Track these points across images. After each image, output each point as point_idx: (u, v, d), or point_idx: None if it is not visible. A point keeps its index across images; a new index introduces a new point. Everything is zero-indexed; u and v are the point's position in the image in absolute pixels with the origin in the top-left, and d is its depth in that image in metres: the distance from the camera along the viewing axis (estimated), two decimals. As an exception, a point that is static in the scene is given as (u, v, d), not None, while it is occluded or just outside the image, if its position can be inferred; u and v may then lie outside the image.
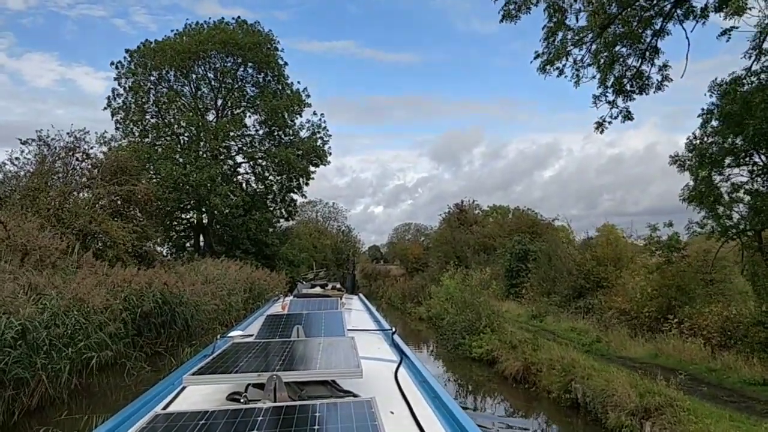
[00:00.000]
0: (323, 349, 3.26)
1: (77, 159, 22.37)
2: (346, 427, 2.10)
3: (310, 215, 69.82)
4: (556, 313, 23.23)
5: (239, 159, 43.05)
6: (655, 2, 14.14)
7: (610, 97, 15.22)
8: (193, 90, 42.01)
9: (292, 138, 42.65)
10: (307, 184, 44.26)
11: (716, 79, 15.59)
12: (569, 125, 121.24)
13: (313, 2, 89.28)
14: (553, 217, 40.68)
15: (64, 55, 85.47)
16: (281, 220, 46.48)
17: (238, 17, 41.65)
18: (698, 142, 16.54)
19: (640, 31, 14.40)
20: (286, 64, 42.75)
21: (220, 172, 39.06)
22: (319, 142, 43.21)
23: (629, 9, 14.32)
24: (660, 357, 14.65)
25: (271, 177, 43.68)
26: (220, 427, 2.14)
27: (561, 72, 14.54)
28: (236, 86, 42.54)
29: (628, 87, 14.95)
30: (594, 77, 14.99)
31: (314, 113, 43.56)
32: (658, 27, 14.39)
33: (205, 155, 38.82)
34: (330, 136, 43.84)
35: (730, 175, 16.22)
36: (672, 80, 14.80)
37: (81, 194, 22.58)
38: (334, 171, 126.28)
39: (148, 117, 40.56)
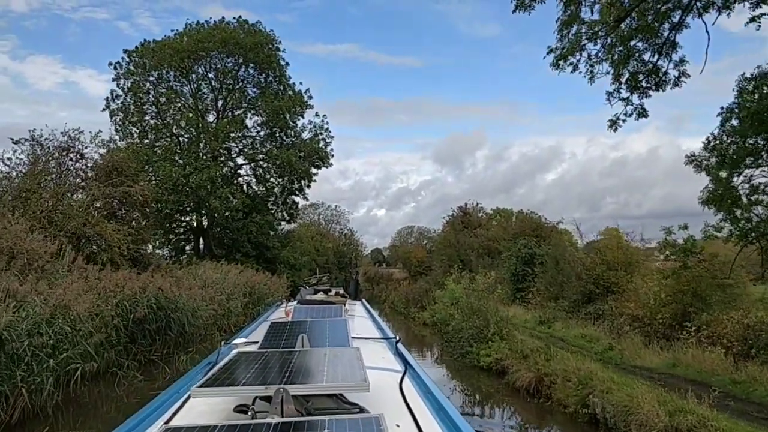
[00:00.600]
0: (329, 361, 3.26)
1: (71, 159, 21.69)
2: None
3: (312, 218, 69.20)
4: (565, 319, 22.48)
5: (240, 161, 42.51)
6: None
7: (624, 94, 14.53)
8: (193, 90, 41.40)
9: (293, 139, 42.03)
10: (308, 186, 43.71)
11: (744, 74, 14.93)
12: (572, 128, 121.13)
13: (316, 5, 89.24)
14: (557, 220, 39.80)
15: (67, 58, 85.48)
16: (282, 222, 45.86)
17: (239, 17, 41.10)
18: (717, 141, 15.84)
19: (656, 24, 13.71)
20: (287, 64, 42.24)
21: (220, 174, 38.43)
22: (321, 143, 42.59)
23: (645, 1, 13.63)
24: (678, 367, 13.90)
25: (272, 179, 43.11)
26: None
27: (575, 67, 13.88)
28: (237, 87, 41.94)
29: (643, 83, 14.26)
30: (608, 73, 14.30)
31: (316, 114, 42.90)
32: (676, 20, 13.70)
33: (204, 156, 38.18)
34: (332, 137, 43.29)
35: (751, 176, 15.52)
36: (689, 76, 14.13)
37: (75, 196, 21.91)
38: (336, 174, 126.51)
39: (147, 118, 39.99)
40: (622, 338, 17.65)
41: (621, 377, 11.72)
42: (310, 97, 42.47)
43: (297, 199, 44.93)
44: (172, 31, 41.08)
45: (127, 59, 39.43)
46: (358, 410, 2.80)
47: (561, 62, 13.65)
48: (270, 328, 5.27)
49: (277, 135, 42.19)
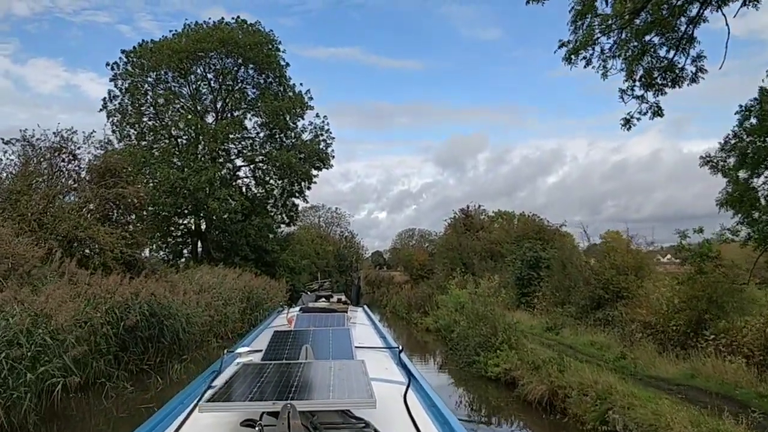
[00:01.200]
0: (335, 375, 3.25)
1: (63, 160, 20.98)
2: None
3: (313, 220, 68.48)
4: (573, 326, 21.77)
5: (239, 162, 41.84)
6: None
7: (639, 92, 13.80)
8: (192, 91, 40.76)
9: (293, 141, 41.32)
10: (309, 188, 43.04)
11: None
12: (573, 131, 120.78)
13: (318, 9, 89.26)
14: (560, 222, 39.18)
15: (68, 61, 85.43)
16: (282, 225, 45.10)
17: (238, 17, 40.44)
18: (736, 141, 15.12)
19: (672, 18, 13.00)
20: (287, 65, 41.57)
21: (218, 176, 37.78)
22: (322, 144, 41.89)
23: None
24: (697, 378, 13.17)
25: (271, 181, 42.40)
26: None
27: (588, 62, 13.14)
28: (236, 87, 41.30)
29: (659, 80, 13.54)
30: (622, 69, 13.59)
31: (317, 115, 42.17)
32: (693, 13, 12.99)
33: (203, 158, 37.51)
34: (333, 138, 42.58)
35: (770, 177, 14.82)
36: (707, 72, 13.41)
37: (67, 198, 21.23)
38: (338, 176, 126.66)
39: (145, 119, 39.30)
40: (634, 346, 16.93)
41: (642, 391, 10.99)
42: (311, 98, 41.85)
43: (297, 201, 44.30)
44: (170, 31, 40.48)
45: (125, 60, 38.80)
46: (364, 425, 2.80)
47: (573, 56, 12.95)
48: (273, 337, 5.26)
49: (277, 136, 41.51)
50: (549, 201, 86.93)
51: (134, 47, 38.93)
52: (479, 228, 48.74)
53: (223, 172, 39.65)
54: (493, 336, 16.54)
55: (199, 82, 40.92)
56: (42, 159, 20.91)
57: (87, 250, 20.07)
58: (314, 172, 42.02)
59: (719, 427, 8.11)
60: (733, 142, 15.31)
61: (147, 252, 38.03)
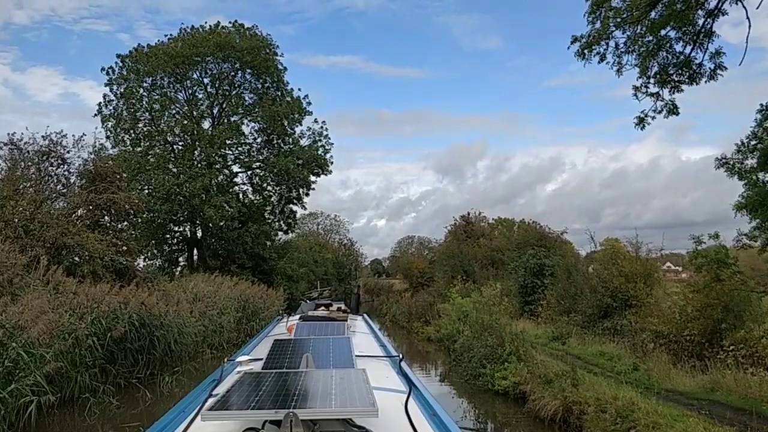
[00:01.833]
0: (336, 384, 3.27)
1: (51, 164, 20.22)
2: None
3: (311, 228, 67.71)
4: (580, 335, 21.02)
5: (236, 168, 41.10)
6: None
7: (653, 89, 13.12)
8: (188, 96, 40.07)
9: (291, 146, 40.65)
10: (307, 194, 42.36)
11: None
12: (573, 139, 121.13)
13: (318, 17, 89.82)
14: (561, 229, 38.63)
15: (68, 70, 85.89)
16: (280, 232, 44.36)
17: (235, 21, 39.83)
18: (755, 142, 14.41)
19: (690, 11, 12.32)
20: (285, 69, 40.94)
21: (215, 182, 37.09)
22: (321, 150, 41.25)
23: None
24: (718, 392, 12.41)
25: (269, 187, 41.69)
26: None
27: (602, 57, 12.46)
28: (233, 92, 40.66)
29: (675, 77, 12.86)
30: (636, 65, 12.91)
31: (315, 121, 41.51)
32: (712, 5, 12.33)
33: (199, 165, 36.76)
34: (332, 144, 41.95)
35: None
36: (726, 68, 12.73)
37: (56, 203, 20.46)
38: (338, 184, 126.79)
39: (140, 125, 38.57)
40: (647, 357, 16.18)
41: (665, 407, 10.21)
42: (309, 103, 41.22)
43: (295, 208, 43.61)
44: (166, 35, 39.77)
45: (120, 64, 38.13)
46: None
47: (587, 51, 12.27)
48: (273, 345, 5.28)
49: (275, 142, 40.84)
50: (548, 208, 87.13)
51: (130, 51, 38.36)
52: (480, 235, 48.12)
53: (219, 179, 38.99)
54: (499, 347, 15.75)
55: (195, 87, 40.28)
56: (30, 163, 20.15)
57: (76, 258, 19.31)
58: (312, 178, 41.35)
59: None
60: (753, 143, 14.61)
61: (142, 260, 37.56)
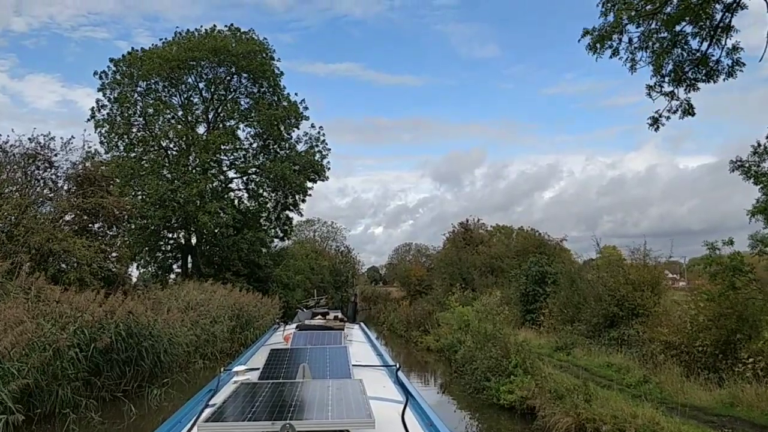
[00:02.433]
0: (333, 394, 3.27)
1: (38, 167, 19.46)
2: None
3: (308, 235, 66.98)
4: (585, 345, 20.30)
5: (231, 174, 40.48)
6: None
7: (668, 88, 12.49)
8: (183, 101, 39.40)
9: (288, 152, 40.03)
10: (303, 201, 41.70)
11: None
12: (571, 147, 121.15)
13: (316, 25, 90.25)
14: (561, 237, 38.12)
15: (66, 77, 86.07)
16: (276, 239, 43.69)
17: (231, 24, 39.25)
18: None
19: (707, 5, 11.69)
20: (282, 73, 40.34)
21: (210, 188, 36.39)
22: (318, 156, 40.61)
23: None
24: (738, 407, 11.72)
25: (265, 193, 41.10)
26: None
27: (615, 52, 11.83)
28: (229, 97, 40.03)
29: (690, 75, 12.23)
30: (650, 63, 12.28)
31: (312, 126, 40.86)
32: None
33: (194, 170, 36.07)
34: (329, 150, 41.37)
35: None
36: (744, 64, 12.11)
37: (42, 208, 19.72)
38: (335, 191, 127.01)
39: (134, 130, 37.86)
40: (657, 369, 15.46)
41: (688, 426, 9.50)
42: (306, 108, 40.64)
43: (291, 214, 42.93)
44: (160, 39, 39.12)
45: (114, 69, 37.46)
46: None
47: (599, 45, 11.63)
48: (270, 355, 5.28)
49: (271, 147, 40.25)
50: (546, 216, 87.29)
51: (123, 55, 37.73)
52: (479, 242, 47.49)
53: (214, 185, 38.32)
54: (504, 358, 15.03)
55: (190, 92, 39.70)
56: (16, 167, 19.41)
57: (63, 265, 18.57)
58: (309, 184, 40.74)
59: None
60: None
61: (135, 267, 36.84)
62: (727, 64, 12.02)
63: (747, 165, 14.54)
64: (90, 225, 20.62)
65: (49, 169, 19.62)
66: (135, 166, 35.26)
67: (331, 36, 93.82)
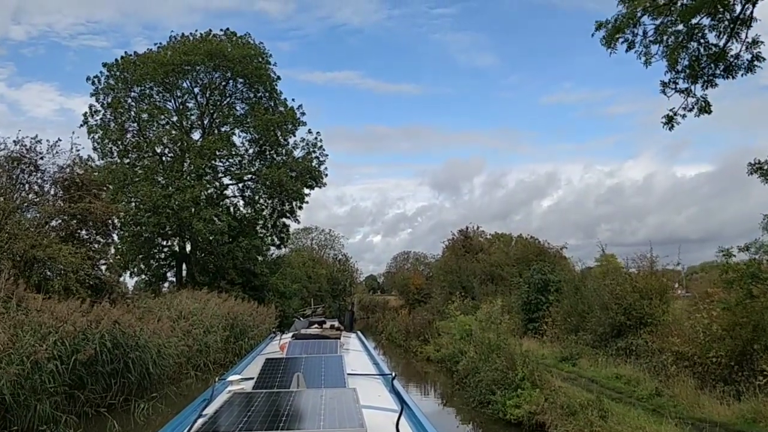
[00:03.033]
0: (326, 404, 3.25)
1: (23, 171, 18.71)
2: None
3: (305, 243, 66.20)
4: (591, 355, 19.59)
5: (226, 180, 39.67)
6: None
7: (683, 85, 11.81)
8: (178, 106, 38.66)
9: (284, 158, 39.27)
10: (300, 207, 40.93)
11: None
12: (569, 155, 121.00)
13: (315, 34, 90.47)
14: (561, 245, 37.50)
15: (64, 86, 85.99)
16: (272, 247, 42.86)
17: (227, 29, 38.60)
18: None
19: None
20: (278, 78, 39.64)
21: (204, 195, 35.66)
22: (315, 162, 39.86)
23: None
24: (761, 423, 11.00)
25: (261, 200, 40.30)
26: None
27: (630, 45, 11.16)
28: (225, 102, 39.32)
29: (707, 70, 11.56)
30: (665, 57, 11.61)
31: (309, 131, 40.09)
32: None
33: (189, 176, 35.34)
34: (326, 155, 40.58)
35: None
36: (765, 59, 11.43)
37: (27, 213, 18.98)
38: (333, 200, 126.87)
39: (128, 136, 37.08)
40: (670, 381, 14.74)
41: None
42: (303, 114, 39.91)
43: (288, 221, 42.13)
44: (155, 44, 38.44)
45: (107, 73, 36.72)
46: None
47: (613, 38, 10.95)
48: (265, 364, 5.30)
49: (267, 153, 39.51)
50: (544, 224, 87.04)
51: (116, 60, 36.94)
52: (478, 250, 46.72)
53: (209, 191, 37.55)
54: (510, 370, 14.28)
55: (185, 97, 38.97)
56: (2, 170, 18.68)
57: (48, 272, 17.82)
58: (306, 190, 39.89)
59: None
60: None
61: (128, 275, 36.06)
62: (746, 59, 11.37)
63: (766, 168, 13.84)
64: (78, 231, 19.86)
65: (34, 173, 18.90)
66: (128, 173, 34.55)
67: (330, 44, 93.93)
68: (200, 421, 3.17)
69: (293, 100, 40.01)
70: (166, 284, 38.60)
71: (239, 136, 39.54)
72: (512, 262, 38.56)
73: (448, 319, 29.47)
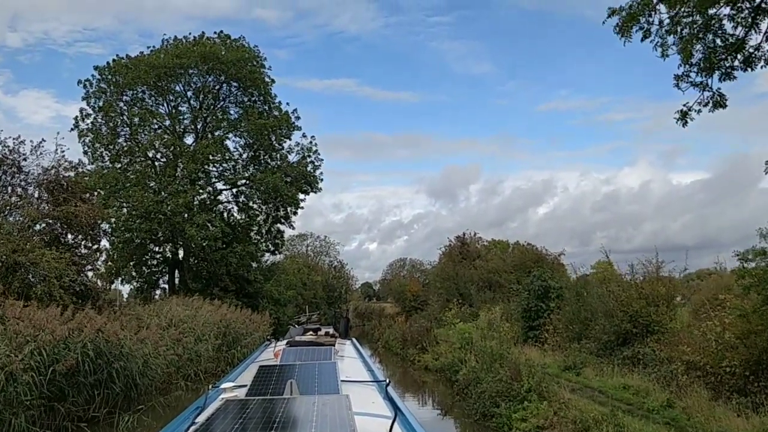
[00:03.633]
0: (318, 411, 3.22)
1: (4, 172, 17.96)
2: None
3: (300, 249, 65.45)
4: (596, 365, 18.91)
5: (220, 186, 38.89)
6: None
7: (697, 78, 11.18)
8: (170, 110, 37.94)
9: (279, 163, 38.59)
10: (295, 213, 40.26)
11: None
12: (565, 162, 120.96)
13: (312, 41, 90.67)
14: (559, 251, 37.02)
15: (60, 93, 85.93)
16: (266, 254, 42.10)
17: (221, 31, 37.96)
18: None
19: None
20: (273, 81, 38.95)
21: (198, 200, 34.96)
22: (310, 167, 39.20)
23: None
24: (786, 439, 10.34)
25: (255, 206, 39.60)
26: None
27: (646, 34, 10.53)
28: (218, 106, 38.63)
29: (725, 63, 10.94)
30: (679, 50, 10.98)
31: (303, 136, 39.41)
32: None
33: (181, 181, 34.61)
34: (321, 160, 39.96)
35: None
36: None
37: (10, 216, 18.20)
38: (330, 207, 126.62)
39: (120, 140, 36.36)
40: (682, 392, 14.06)
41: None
42: (298, 118, 39.24)
43: (283, 228, 41.41)
44: (147, 47, 37.72)
45: (98, 77, 36.00)
46: None
47: (628, 26, 10.31)
48: (258, 371, 5.31)
49: (262, 158, 38.83)
50: (540, 231, 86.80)
51: (108, 63, 36.27)
52: (476, 256, 46.10)
53: (203, 197, 36.88)
54: (515, 381, 13.57)
55: (178, 100, 38.24)
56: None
57: (31, 278, 17.06)
58: (301, 196, 39.20)
59: None
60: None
61: (120, 282, 35.30)
62: (766, 50, 10.75)
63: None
64: (63, 235, 19.12)
65: (17, 175, 18.16)
66: (120, 177, 33.83)
67: (327, 52, 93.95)
68: (193, 428, 3.16)
69: (288, 104, 39.40)
70: (159, 291, 37.88)
71: (233, 141, 38.95)
72: (510, 268, 38.02)
73: (446, 326, 28.81)
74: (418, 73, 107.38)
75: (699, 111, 11.18)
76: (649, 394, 14.77)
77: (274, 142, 38.34)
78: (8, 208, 18.05)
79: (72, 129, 35.74)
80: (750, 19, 10.44)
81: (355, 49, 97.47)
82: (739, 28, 10.73)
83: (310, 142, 39.41)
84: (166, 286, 37.93)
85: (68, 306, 14.67)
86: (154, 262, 38.44)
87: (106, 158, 36.11)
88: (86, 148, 35.47)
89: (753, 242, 14.16)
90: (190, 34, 38.08)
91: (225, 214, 38.65)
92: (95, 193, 29.48)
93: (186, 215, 33.30)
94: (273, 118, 37.88)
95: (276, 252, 43.49)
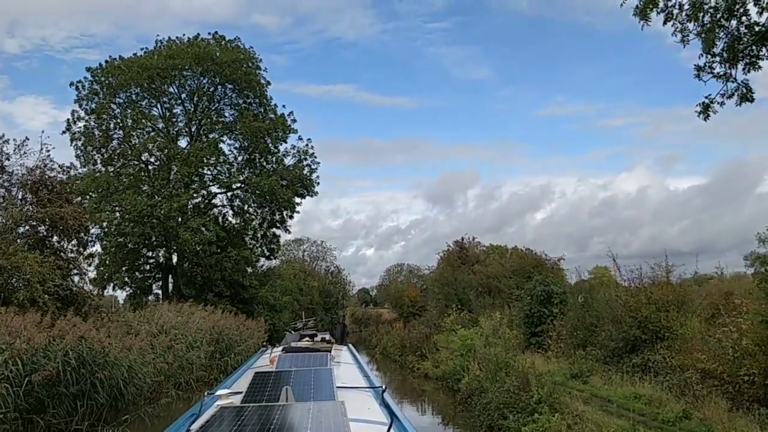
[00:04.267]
0: (313, 417, 3.21)
1: (-15, 172, 17.22)
2: None
3: (296, 254, 64.67)
4: (604, 372, 18.18)
5: (214, 189, 38.16)
6: None
7: (720, 69, 10.48)
8: (164, 113, 37.21)
9: (275, 166, 37.89)
10: (291, 217, 39.62)
11: None
12: (563, 168, 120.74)
13: (310, 47, 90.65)
14: (558, 256, 36.30)
15: (57, 99, 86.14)
16: (262, 258, 41.38)
17: (216, 32, 37.28)
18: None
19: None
20: (268, 83, 38.30)
21: (192, 204, 34.20)
22: (306, 170, 38.49)
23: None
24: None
25: (250, 210, 38.91)
26: None
27: (669, 16, 9.82)
28: (213, 108, 37.90)
29: (750, 51, 10.24)
30: (700, 38, 10.29)
31: (299, 138, 38.71)
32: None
33: (175, 184, 33.82)
34: (318, 163, 39.28)
35: None
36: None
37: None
38: (328, 213, 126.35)
39: (113, 143, 35.61)
40: (698, 402, 13.32)
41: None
42: (294, 121, 38.63)
43: (278, 232, 40.72)
44: (141, 48, 36.99)
45: (91, 79, 35.24)
46: None
47: (649, 8, 9.61)
48: (254, 378, 5.30)
49: (257, 161, 38.13)
50: (537, 236, 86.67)
51: (100, 64, 35.60)
52: (474, 261, 45.32)
53: (197, 200, 36.12)
54: (524, 391, 12.81)
55: (172, 102, 37.53)
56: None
57: (14, 282, 16.26)
58: (297, 199, 38.50)
59: None
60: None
61: (112, 288, 34.49)
62: (794, 38, 10.05)
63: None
64: (48, 238, 18.32)
65: (0, 175, 17.38)
66: (112, 181, 33.10)
67: (325, 58, 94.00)
68: None
69: (284, 106, 38.77)
70: (151, 297, 37.03)
71: (228, 144, 38.29)
72: (509, 273, 37.26)
73: (445, 332, 28.06)
74: (415, 78, 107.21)
75: (722, 103, 10.48)
76: (662, 404, 14.03)
77: (270, 145, 37.68)
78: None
79: (64, 132, 35.08)
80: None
81: (353, 54, 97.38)
82: (765, 14, 10.03)
83: (306, 145, 38.83)
84: (160, 292, 37.20)
85: (46, 312, 13.87)
86: (147, 267, 37.76)
87: (99, 161, 35.44)
88: (78, 152, 34.85)
89: (750, 247, 13.55)
90: (183, 35, 37.43)
91: (219, 218, 37.99)
92: (87, 197, 28.83)
93: (180, 219, 32.60)
94: (269, 121, 37.23)
95: (272, 257, 42.88)
